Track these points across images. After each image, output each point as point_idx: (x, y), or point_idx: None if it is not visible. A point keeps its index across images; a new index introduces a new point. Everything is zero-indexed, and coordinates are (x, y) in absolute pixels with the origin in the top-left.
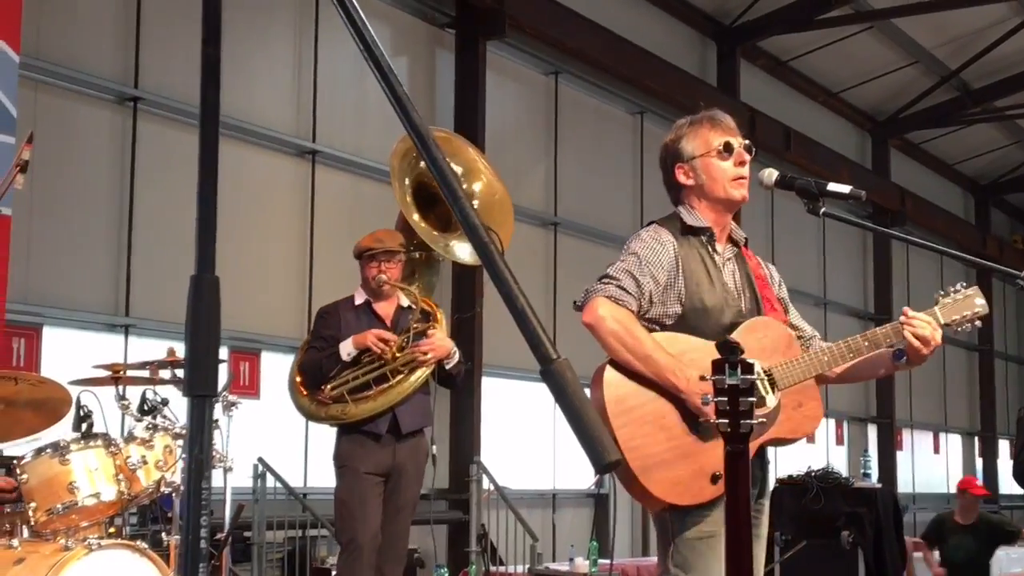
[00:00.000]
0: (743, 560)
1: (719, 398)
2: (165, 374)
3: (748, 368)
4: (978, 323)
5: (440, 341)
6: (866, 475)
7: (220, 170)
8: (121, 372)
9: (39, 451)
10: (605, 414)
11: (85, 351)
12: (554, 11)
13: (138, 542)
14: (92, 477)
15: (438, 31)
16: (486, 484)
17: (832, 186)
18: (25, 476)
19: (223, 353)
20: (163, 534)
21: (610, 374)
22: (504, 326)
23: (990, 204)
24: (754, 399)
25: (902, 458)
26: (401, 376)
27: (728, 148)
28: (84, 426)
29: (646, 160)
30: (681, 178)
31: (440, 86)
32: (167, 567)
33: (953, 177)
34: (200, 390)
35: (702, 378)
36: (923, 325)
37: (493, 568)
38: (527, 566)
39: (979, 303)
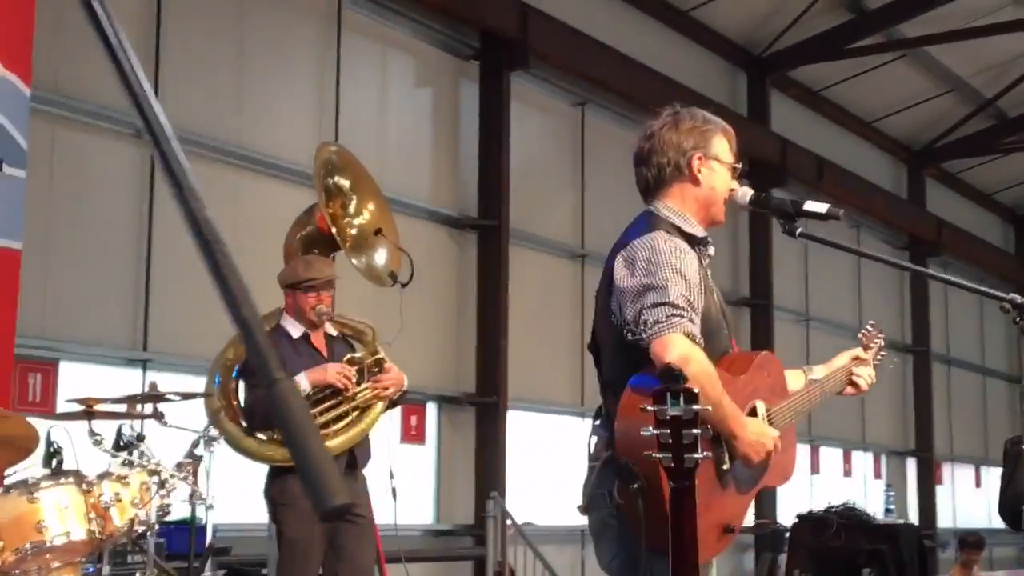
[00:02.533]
0: None
1: (660, 430)
2: (147, 409)
3: (692, 397)
4: (879, 358)
5: (397, 374)
6: (889, 511)
7: (245, 204)
8: (93, 406)
9: (7, 489)
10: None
11: (103, 386)
12: (579, 42)
13: None
14: (62, 516)
15: (462, 62)
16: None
17: (809, 205)
18: None
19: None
20: (137, 573)
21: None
22: (531, 358)
23: None
24: (699, 431)
25: (942, 492)
26: (358, 413)
27: (735, 170)
28: (54, 462)
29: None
30: (697, 170)
31: (465, 118)
32: None
33: (991, 207)
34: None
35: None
36: (865, 384)
37: None
38: None
39: (883, 344)
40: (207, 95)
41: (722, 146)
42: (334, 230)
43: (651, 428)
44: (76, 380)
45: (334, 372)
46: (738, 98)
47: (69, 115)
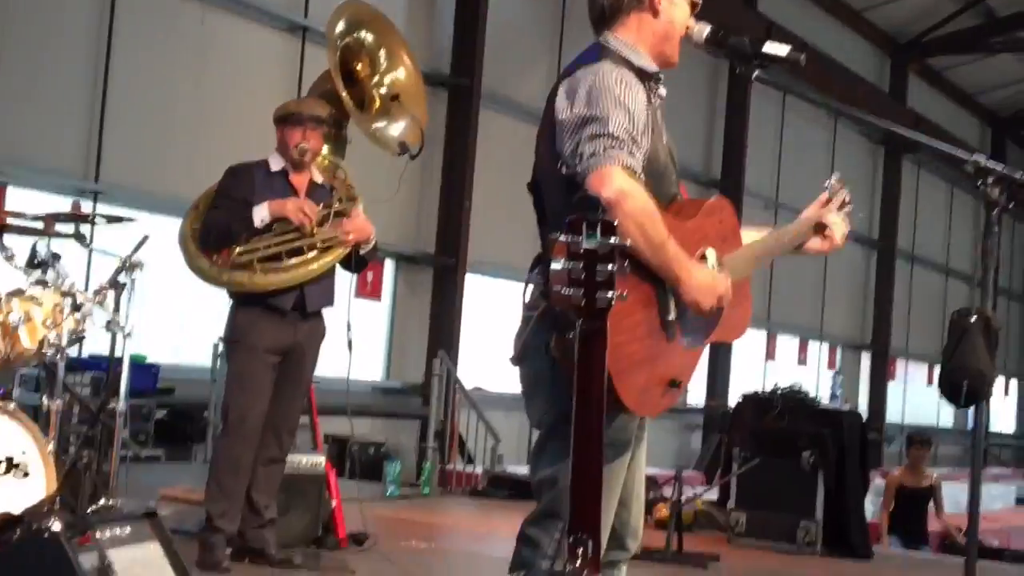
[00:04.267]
0: (592, 459)
1: (572, 263)
2: (66, 228)
3: (609, 229)
4: (847, 209)
5: (363, 222)
6: (835, 396)
7: (213, 41)
8: (4, 220)
9: None
10: None
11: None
12: None
13: (10, 404)
14: None
15: None
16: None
17: (769, 46)
18: None
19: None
20: (44, 397)
21: None
22: (494, 223)
23: (1007, 138)
24: (614, 268)
25: (894, 388)
26: (316, 252)
27: (695, 6)
28: None
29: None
30: (658, 1)
31: None
32: (39, 433)
33: (972, 108)
34: None
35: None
36: (840, 235)
37: (451, 467)
38: (485, 466)
39: (848, 200)
40: None
41: None
42: (345, 98)
43: (561, 261)
44: (22, 206)
45: (293, 205)
46: None
47: None
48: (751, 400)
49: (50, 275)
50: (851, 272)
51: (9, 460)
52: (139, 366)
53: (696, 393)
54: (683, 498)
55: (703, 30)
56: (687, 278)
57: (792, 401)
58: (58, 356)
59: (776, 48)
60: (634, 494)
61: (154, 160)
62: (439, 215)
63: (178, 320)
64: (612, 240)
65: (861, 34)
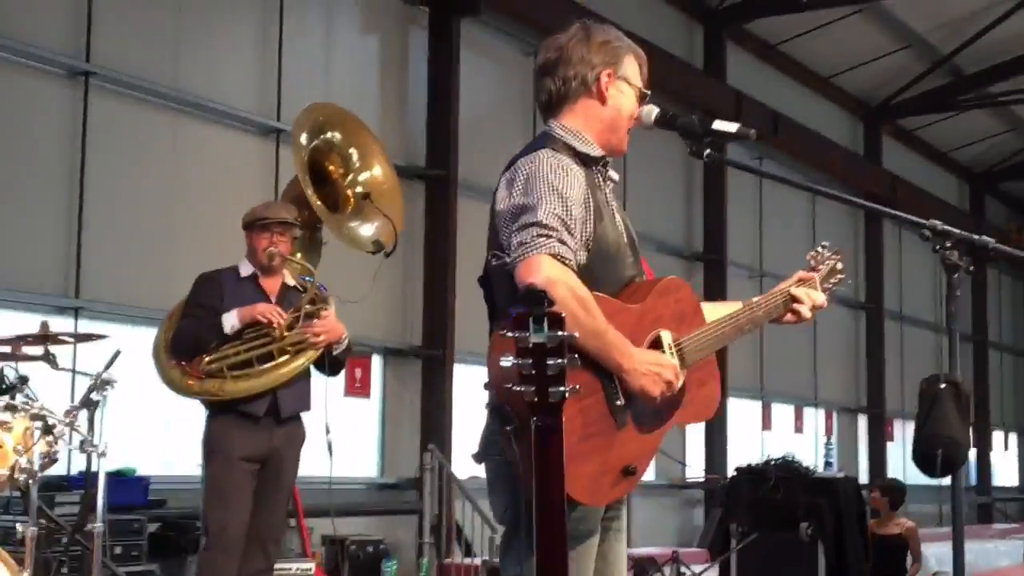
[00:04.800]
0: (556, 558)
1: (522, 360)
2: (35, 351)
3: (557, 322)
4: (840, 288)
5: (333, 323)
6: (828, 464)
7: (183, 149)
8: None
9: None
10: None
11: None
12: None
13: None
14: None
15: (411, 8)
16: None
17: (718, 124)
18: None
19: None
20: (18, 525)
21: None
22: (479, 311)
23: (985, 193)
24: (564, 361)
25: (893, 449)
26: (287, 356)
27: (644, 96)
28: None
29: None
30: (605, 88)
31: (414, 66)
32: (14, 565)
33: (947, 165)
34: None
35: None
36: (807, 309)
37: (450, 560)
38: (484, 557)
39: (840, 268)
40: (141, 36)
41: (632, 68)
42: (313, 200)
43: (511, 358)
44: (3, 328)
45: (262, 307)
46: (695, 52)
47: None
48: (745, 473)
49: (19, 399)
50: (842, 336)
51: None
52: (129, 479)
53: (695, 468)
54: None
55: (651, 111)
56: (629, 365)
57: (786, 472)
58: (31, 481)
59: (725, 125)
60: None
61: (134, 271)
62: (424, 307)
63: (165, 430)
64: (560, 333)
65: (832, 100)
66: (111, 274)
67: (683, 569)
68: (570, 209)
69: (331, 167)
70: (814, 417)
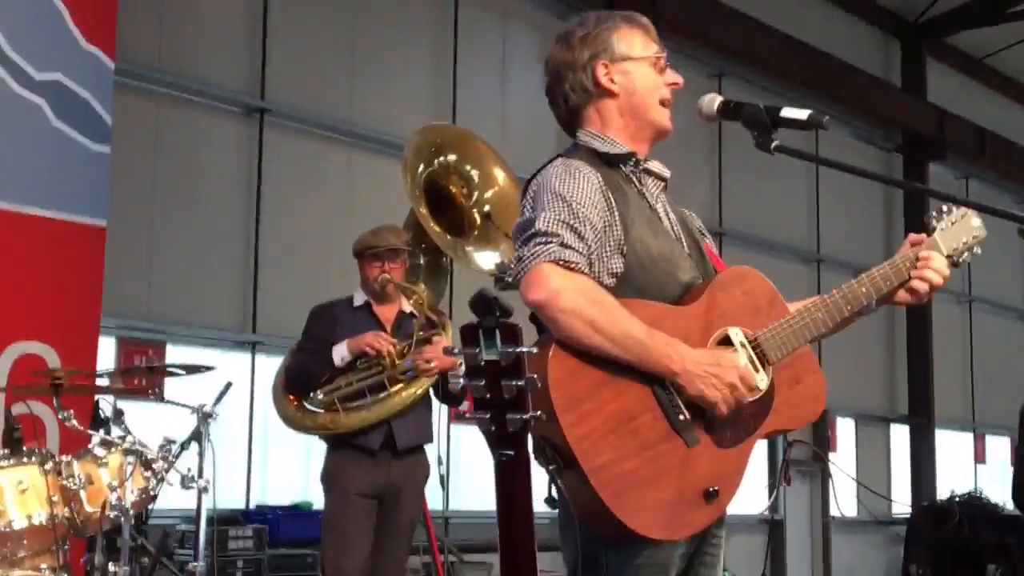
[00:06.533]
0: None
1: (474, 381)
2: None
3: (511, 335)
4: (977, 250)
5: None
6: None
7: (358, 182)
8: (61, 379)
9: None
10: (557, 424)
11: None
12: (717, 10)
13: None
14: (22, 499)
15: None
16: None
17: (787, 111)
18: None
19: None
20: (110, 564)
21: (557, 367)
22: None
23: None
24: (524, 383)
25: None
26: (400, 386)
27: (660, 61)
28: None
29: (823, 169)
30: (603, 80)
31: None
32: None
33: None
34: None
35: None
36: (935, 274)
37: None
38: None
39: (976, 224)
40: (315, 73)
41: (628, 41)
42: (431, 226)
43: (461, 378)
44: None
45: (372, 339)
46: (892, 69)
47: (174, 92)
48: (927, 511)
49: (114, 432)
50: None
51: None
52: (304, 513)
53: (902, 502)
54: None
55: (714, 100)
56: (679, 367)
57: (971, 509)
58: (123, 519)
59: (795, 112)
60: None
61: (309, 305)
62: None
63: None
64: (516, 349)
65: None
66: (287, 308)
67: None
68: (577, 211)
69: (453, 189)
70: (999, 445)
